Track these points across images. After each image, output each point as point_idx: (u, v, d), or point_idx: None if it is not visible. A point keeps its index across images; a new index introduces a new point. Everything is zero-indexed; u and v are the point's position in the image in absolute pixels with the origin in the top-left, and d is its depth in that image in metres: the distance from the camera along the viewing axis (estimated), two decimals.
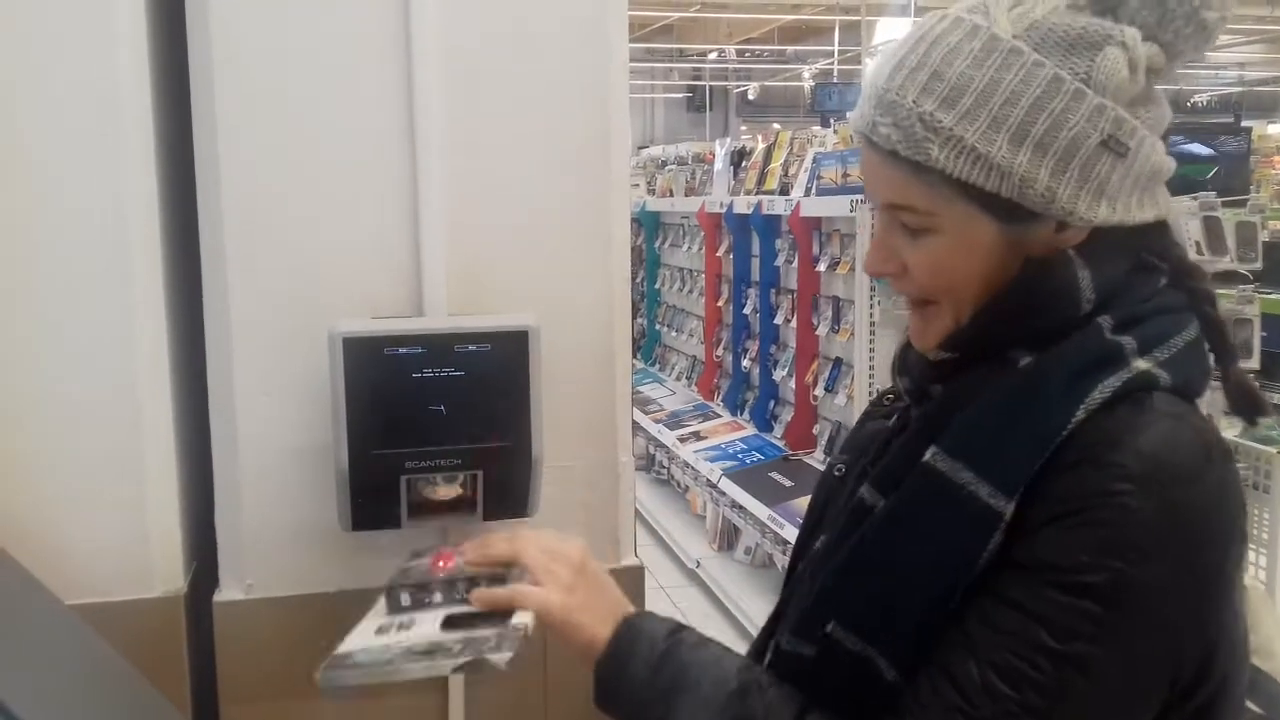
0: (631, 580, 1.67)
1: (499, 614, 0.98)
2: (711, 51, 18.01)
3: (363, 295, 1.60)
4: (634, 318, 6.65)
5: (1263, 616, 0.96)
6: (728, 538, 4.97)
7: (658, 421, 5.48)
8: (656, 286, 6.63)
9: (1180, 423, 0.84)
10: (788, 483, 4.18)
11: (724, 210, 5.19)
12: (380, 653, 0.97)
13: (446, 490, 1.53)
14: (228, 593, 1.63)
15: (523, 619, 0.96)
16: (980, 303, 0.91)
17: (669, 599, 4.51)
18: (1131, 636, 0.80)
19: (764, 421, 4.91)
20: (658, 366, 6.63)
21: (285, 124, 1.56)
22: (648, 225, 6.63)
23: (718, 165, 5.89)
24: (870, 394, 3.75)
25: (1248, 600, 0.91)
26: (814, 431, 4.48)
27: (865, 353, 3.83)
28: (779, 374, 4.79)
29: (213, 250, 1.57)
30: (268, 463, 1.60)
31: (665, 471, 5.74)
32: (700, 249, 5.71)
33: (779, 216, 4.59)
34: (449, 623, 0.99)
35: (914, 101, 0.86)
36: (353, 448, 1.48)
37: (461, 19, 1.58)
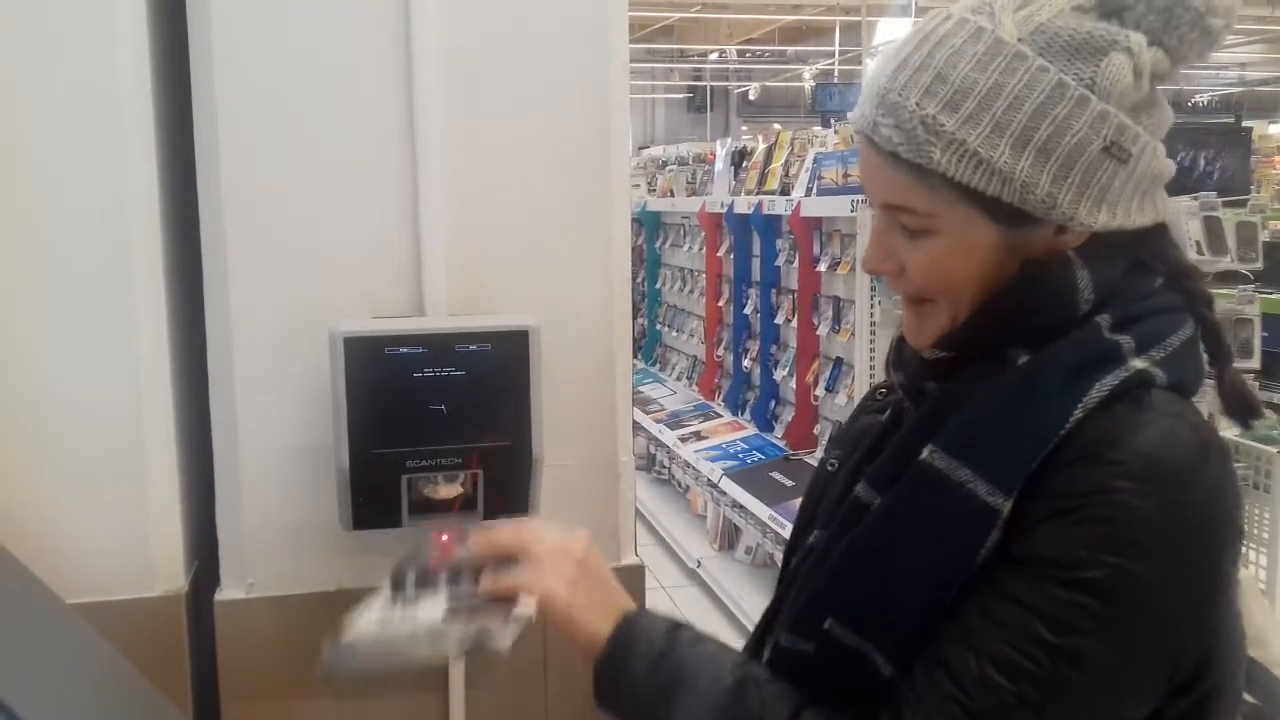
0: (632, 580, 1.67)
1: (503, 602, 0.98)
2: (712, 52, 18.00)
3: (363, 295, 1.60)
4: (635, 318, 6.66)
5: (1253, 607, 0.96)
6: (728, 538, 4.97)
7: (658, 421, 5.48)
8: (657, 286, 6.63)
9: (1178, 420, 0.84)
10: (789, 482, 4.18)
11: (725, 210, 5.19)
12: (385, 638, 0.98)
13: (447, 490, 1.53)
14: (229, 592, 1.63)
15: (526, 609, 0.96)
16: (977, 303, 0.91)
17: (670, 599, 4.51)
18: (1128, 632, 0.80)
19: (765, 421, 4.91)
20: (658, 366, 6.63)
21: (286, 124, 1.56)
22: (648, 225, 6.63)
23: (718, 165, 5.89)
24: None
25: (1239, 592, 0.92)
26: (815, 431, 4.48)
27: (866, 353, 3.83)
28: (780, 374, 4.79)
29: (213, 250, 1.57)
30: (269, 462, 1.60)
31: (666, 471, 5.74)
32: (701, 249, 5.71)
33: (780, 216, 4.59)
34: (453, 609, 1.00)
35: (917, 104, 0.86)
36: (353, 447, 1.48)
37: (462, 19, 1.59)
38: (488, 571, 1.00)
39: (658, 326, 6.69)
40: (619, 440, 1.74)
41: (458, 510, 1.54)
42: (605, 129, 1.67)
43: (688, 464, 4.91)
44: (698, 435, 5.09)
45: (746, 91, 19.57)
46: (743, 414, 5.18)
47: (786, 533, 3.76)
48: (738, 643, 1.00)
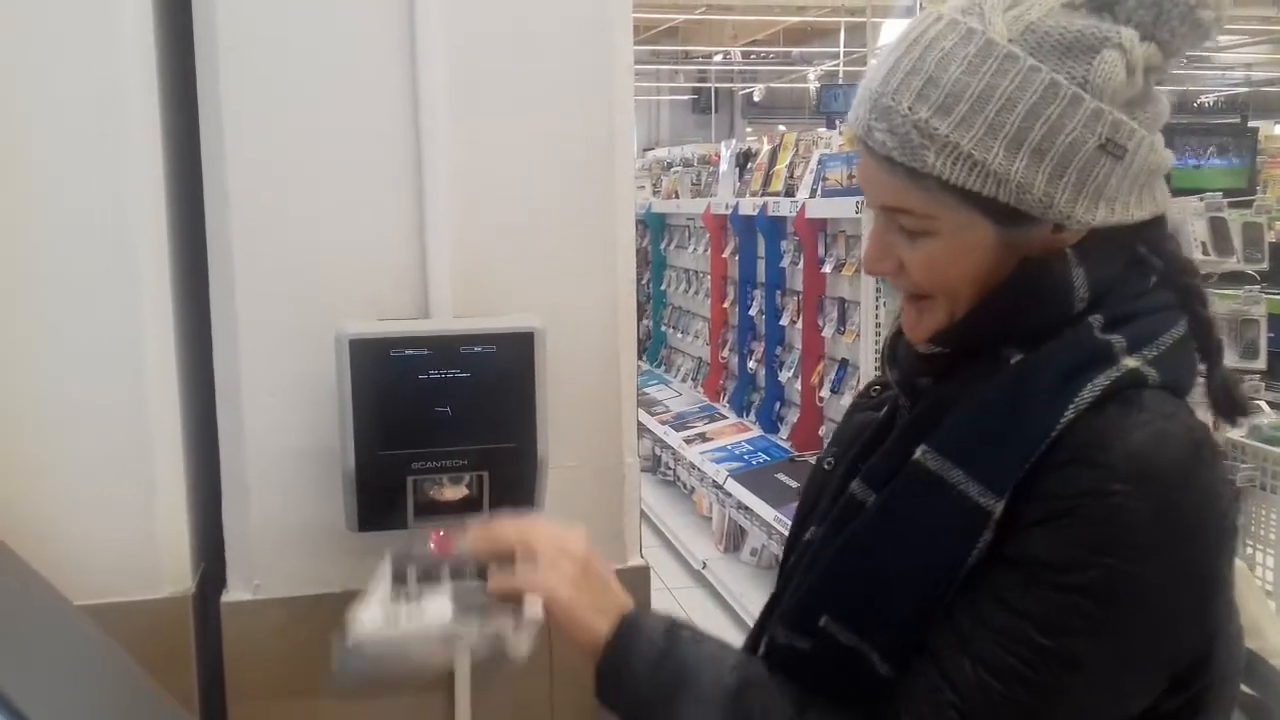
0: (637, 581, 1.68)
1: (509, 601, 0.98)
2: (717, 53, 17.99)
3: (368, 297, 1.60)
4: (639, 319, 6.64)
5: (1248, 596, 0.96)
6: (734, 539, 4.96)
7: (663, 423, 5.49)
8: (662, 288, 6.63)
9: (1170, 421, 0.84)
10: (794, 484, 4.18)
11: (729, 212, 5.19)
12: (394, 637, 0.98)
13: (453, 491, 1.54)
14: (235, 593, 1.63)
15: (534, 611, 0.96)
16: (975, 300, 0.91)
17: (675, 600, 4.51)
18: (1124, 633, 0.80)
19: (770, 423, 4.91)
20: (663, 368, 6.63)
21: (291, 125, 1.56)
22: (653, 227, 6.64)
23: (723, 167, 5.88)
24: None
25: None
26: (820, 433, 4.48)
27: (871, 354, 3.82)
28: (785, 375, 4.79)
29: (219, 251, 1.57)
30: (274, 464, 1.60)
31: (671, 473, 5.74)
32: (705, 250, 5.71)
33: (784, 218, 4.59)
34: (462, 608, 1.00)
35: (909, 108, 0.86)
36: (359, 449, 1.49)
37: (467, 20, 1.59)
38: (493, 568, 1.00)
39: (663, 328, 6.70)
40: (624, 442, 1.75)
41: (463, 512, 1.54)
42: (610, 130, 1.67)
43: (693, 465, 4.91)
44: (703, 437, 5.10)
45: (751, 93, 19.56)
46: (748, 415, 5.18)
47: None
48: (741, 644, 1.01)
